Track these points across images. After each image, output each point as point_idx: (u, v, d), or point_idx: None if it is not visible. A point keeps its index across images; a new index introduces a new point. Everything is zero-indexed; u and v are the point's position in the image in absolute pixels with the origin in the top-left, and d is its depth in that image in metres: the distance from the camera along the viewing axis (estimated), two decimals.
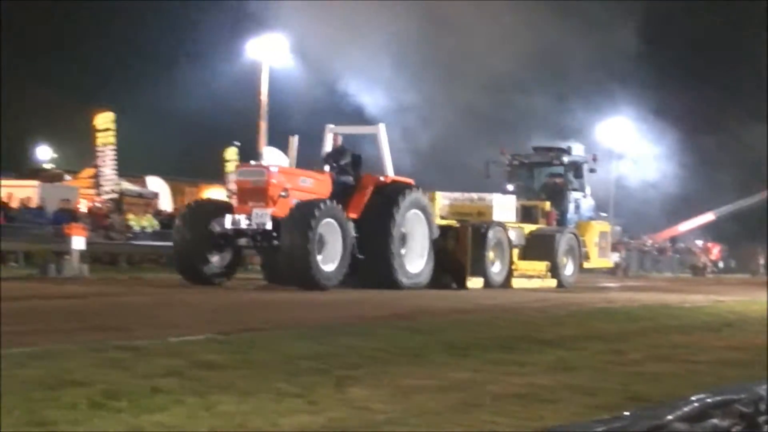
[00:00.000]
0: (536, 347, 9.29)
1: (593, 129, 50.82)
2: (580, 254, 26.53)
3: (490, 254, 23.13)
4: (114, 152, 35.72)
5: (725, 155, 55.20)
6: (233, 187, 20.21)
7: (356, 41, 40.86)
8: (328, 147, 21.96)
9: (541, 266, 25.01)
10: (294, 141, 21.09)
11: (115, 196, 35.05)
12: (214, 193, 35.83)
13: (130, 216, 32.46)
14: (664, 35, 55.11)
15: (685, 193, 53.34)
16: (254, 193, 19.52)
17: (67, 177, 38.18)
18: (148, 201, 37.32)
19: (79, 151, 43.11)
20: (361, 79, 41.72)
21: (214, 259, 19.89)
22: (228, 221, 19.45)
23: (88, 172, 36.87)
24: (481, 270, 22.62)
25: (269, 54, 40.19)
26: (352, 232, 19.78)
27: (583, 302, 17.49)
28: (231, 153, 40.17)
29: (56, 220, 27.77)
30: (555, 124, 45.30)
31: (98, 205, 33.15)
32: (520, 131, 41.10)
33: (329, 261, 19.16)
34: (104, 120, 35.82)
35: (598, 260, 28.29)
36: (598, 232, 28.27)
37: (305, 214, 18.70)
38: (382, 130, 22.16)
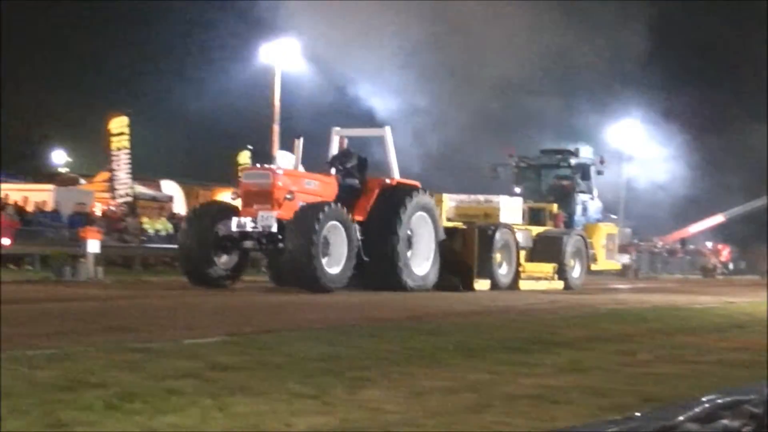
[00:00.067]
0: (548, 348, 9.33)
1: (603, 131, 50.80)
2: (587, 256, 26.49)
3: (497, 256, 23.11)
4: (128, 156, 35.79)
5: (735, 157, 55.08)
6: (239, 189, 20.18)
7: (366, 44, 40.87)
8: (334, 149, 21.98)
9: (549, 268, 25.00)
10: (299, 143, 21.07)
11: (129, 199, 35.12)
12: (227, 196, 35.81)
13: (145, 219, 32.62)
14: (673, 38, 55.07)
15: (695, 195, 53.29)
16: (260, 195, 19.54)
17: (82, 181, 38.36)
18: (162, 204, 37.43)
19: (94, 155, 43.31)
20: (369, 81, 41.75)
21: (220, 261, 19.94)
22: (234, 224, 19.49)
23: (103, 175, 37.03)
24: (488, 272, 22.62)
25: (282, 58, 40.25)
26: (358, 235, 19.78)
27: (593, 304, 17.51)
28: (244, 156, 40.20)
29: (71, 223, 27.97)
30: (564, 127, 45.35)
31: (113, 208, 33.30)
32: (528, 133, 41.13)
33: (334, 264, 19.18)
34: (119, 124, 35.90)
35: (605, 262, 28.26)
36: (605, 234, 28.24)
37: (310, 216, 18.71)
38: (387, 133, 22.16)
